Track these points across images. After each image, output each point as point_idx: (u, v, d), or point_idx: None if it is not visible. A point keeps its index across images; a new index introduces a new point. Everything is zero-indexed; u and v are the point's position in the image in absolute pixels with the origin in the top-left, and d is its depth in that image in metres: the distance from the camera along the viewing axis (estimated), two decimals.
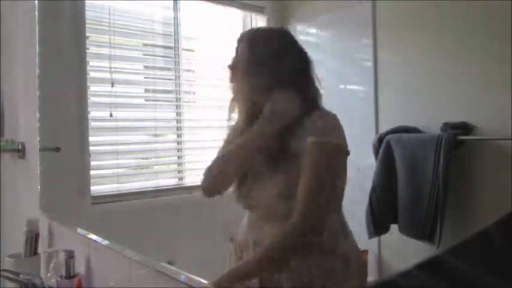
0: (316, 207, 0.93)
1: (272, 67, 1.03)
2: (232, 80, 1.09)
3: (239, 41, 1.11)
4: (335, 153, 0.97)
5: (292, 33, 1.12)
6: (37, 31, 1.72)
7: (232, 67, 1.09)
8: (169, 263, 1.17)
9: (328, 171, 0.96)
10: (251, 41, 1.08)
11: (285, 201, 0.96)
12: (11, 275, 1.33)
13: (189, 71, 2.34)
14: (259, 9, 2.43)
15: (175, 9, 2.20)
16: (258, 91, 1.03)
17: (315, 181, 0.94)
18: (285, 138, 1.00)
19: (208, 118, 2.27)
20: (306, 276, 0.96)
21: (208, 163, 1.07)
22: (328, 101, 1.06)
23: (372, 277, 2.01)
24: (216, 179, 1.05)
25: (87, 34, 1.89)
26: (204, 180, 1.06)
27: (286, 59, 1.04)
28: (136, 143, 2.15)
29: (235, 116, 1.11)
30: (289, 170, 0.97)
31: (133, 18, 2.10)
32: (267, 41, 1.07)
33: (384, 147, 1.87)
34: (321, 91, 1.06)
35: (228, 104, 1.11)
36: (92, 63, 1.94)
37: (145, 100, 2.26)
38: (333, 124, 0.99)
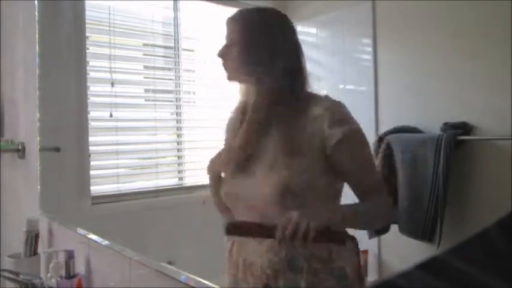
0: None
1: (266, 58, 0.99)
2: (225, 67, 1.07)
3: (230, 22, 1.06)
4: (364, 139, 0.99)
5: None
6: (37, 31, 1.72)
7: (224, 55, 1.06)
8: (169, 263, 1.17)
9: (370, 157, 1.04)
10: (244, 25, 1.05)
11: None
12: (11, 275, 1.33)
13: (189, 71, 2.34)
14: None
15: (175, 9, 2.20)
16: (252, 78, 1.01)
17: (373, 170, 1.04)
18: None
19: (208, 118, 2.26)
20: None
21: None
22: None
23: (372, 277, 2.01)
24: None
25: (87, 34, 1.88)
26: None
27: (283, 46, 1.00)
28: (136, 143, 2.15)
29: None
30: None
31: (133, 18, 2.10)
32: (263, 27, 1.02)
33: (383, 147, 1.87)
34: (321, 91, 1.04)
35: (227, 105, 1.11)
36: (92, 63, 1.94)
37: (145, 100, 2.25)
38: (344, 111, 0.97)
